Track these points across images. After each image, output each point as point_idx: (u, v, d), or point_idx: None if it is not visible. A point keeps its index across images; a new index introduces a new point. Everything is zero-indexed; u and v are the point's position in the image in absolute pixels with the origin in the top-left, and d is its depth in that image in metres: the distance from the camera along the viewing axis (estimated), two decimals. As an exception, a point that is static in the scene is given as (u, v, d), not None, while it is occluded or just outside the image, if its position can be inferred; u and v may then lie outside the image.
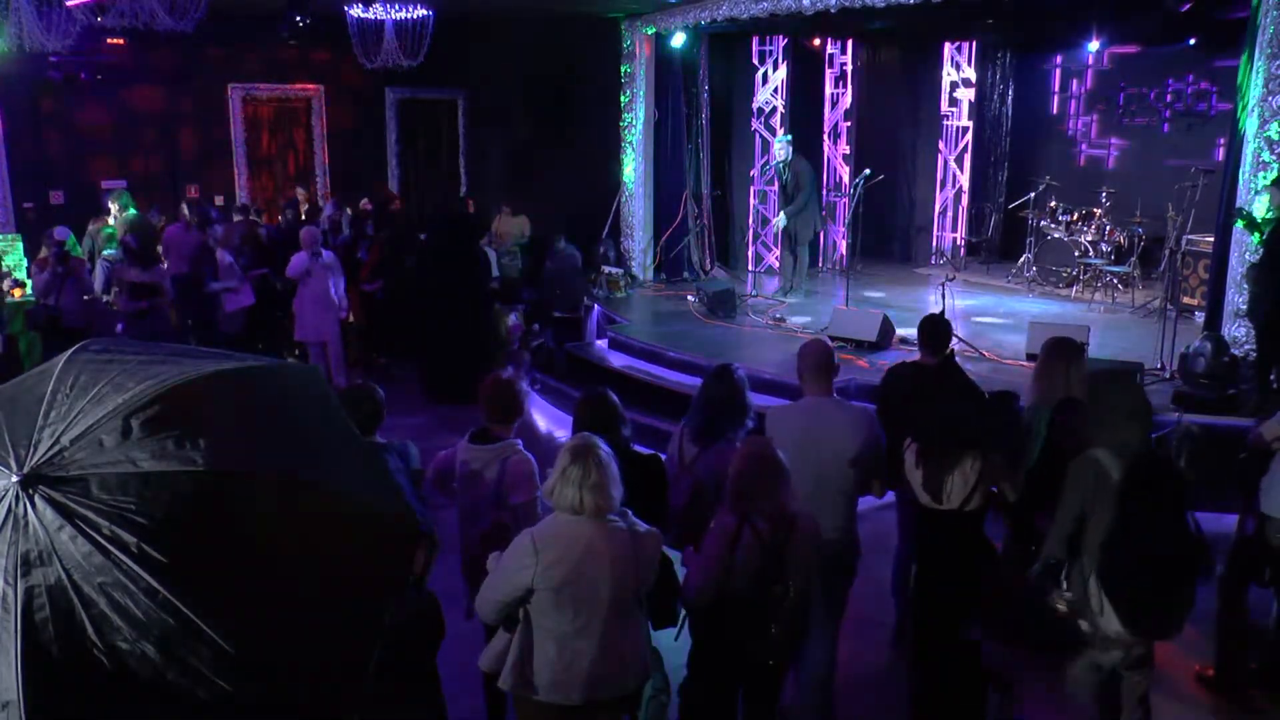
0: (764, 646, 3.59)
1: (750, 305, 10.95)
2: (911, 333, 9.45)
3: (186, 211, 10.81)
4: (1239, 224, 7.74)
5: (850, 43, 12.99)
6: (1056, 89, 13.54)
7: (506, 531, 3.68)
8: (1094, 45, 11.40)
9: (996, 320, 10.14)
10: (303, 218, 11.52)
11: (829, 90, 13.33)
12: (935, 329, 5.13)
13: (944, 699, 4.08)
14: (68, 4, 8.45)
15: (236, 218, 11.25)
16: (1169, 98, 12.28)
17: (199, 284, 9.08)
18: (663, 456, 4.43)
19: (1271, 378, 7.34)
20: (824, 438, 4.14)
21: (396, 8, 10.31)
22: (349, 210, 11.92)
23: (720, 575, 3.49)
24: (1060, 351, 4.69)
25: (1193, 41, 11.14)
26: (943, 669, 4.05)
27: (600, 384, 4.72)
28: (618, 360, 9.62)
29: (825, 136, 13.36)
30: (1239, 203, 7.95)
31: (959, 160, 13.68)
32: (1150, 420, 3.83)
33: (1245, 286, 7.88)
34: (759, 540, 3.48)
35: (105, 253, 10.16)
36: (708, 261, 12.87)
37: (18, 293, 9.41)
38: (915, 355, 5.30)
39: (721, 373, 4.41)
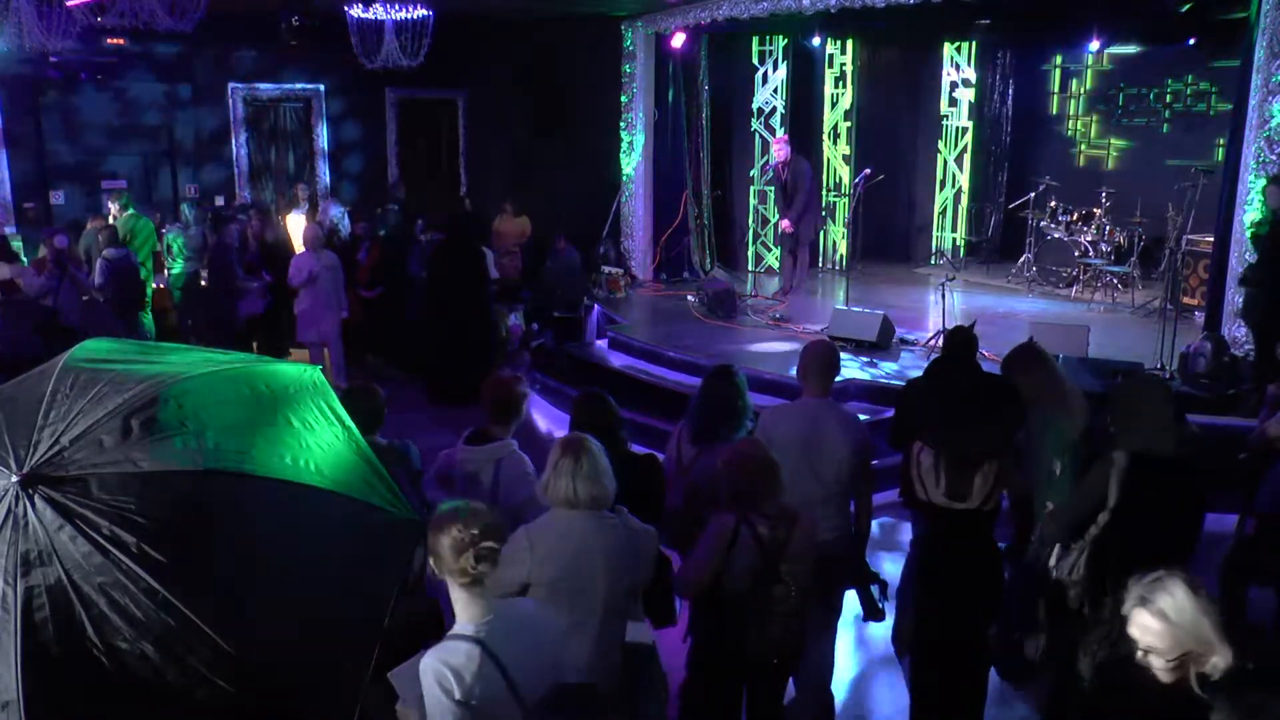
0: (765, 646, 3.59)
1: (750, 305, 10.94)
2: (912, 333, 9.53)
3: (186, 211, 10.80)
4: (1249, 233, 7.71)
5: (850, 43, 12.99)
6: (1056, 89, 13.53)
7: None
8: (1094, 45, 11.40)
9: (996, 320, 10.12)
10: (303, 218, 11.51)
11: (829, 90, 13.33)
12: (963, 338, 5.16)
13: (946, 698, 4.07)
14: (68, 4, 8.45)
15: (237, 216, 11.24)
16: (1169, 98, 12.29)
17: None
18: (661, 457, 4.43)
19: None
20: (820, 439, 4.15)
21: (396, 8, 10.29)
22: (348, 210, 11.90)
23: (710, 573, 3.49)
24: (1025, 363, 4.61)
25: (1193, 41, 11.13)
26: (946, 667, 4.04)
27: (600, 384, 4.72)
28: (618, 360, 9.61)
29: (825, 136, 13.35)
30: (1238, 202, 7.94)
31: (959, 160, 13.67)
32: (1182, 426, 3.75)
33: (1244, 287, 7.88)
34: (758, 540, 3.48)
35: (105, 252, 10.15)
36: (708, 261, 12.87)
37: None
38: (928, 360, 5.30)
39: (721, 373, 4.41)
